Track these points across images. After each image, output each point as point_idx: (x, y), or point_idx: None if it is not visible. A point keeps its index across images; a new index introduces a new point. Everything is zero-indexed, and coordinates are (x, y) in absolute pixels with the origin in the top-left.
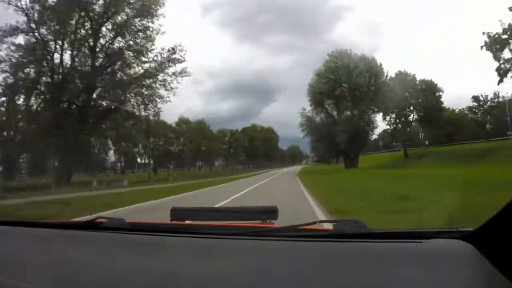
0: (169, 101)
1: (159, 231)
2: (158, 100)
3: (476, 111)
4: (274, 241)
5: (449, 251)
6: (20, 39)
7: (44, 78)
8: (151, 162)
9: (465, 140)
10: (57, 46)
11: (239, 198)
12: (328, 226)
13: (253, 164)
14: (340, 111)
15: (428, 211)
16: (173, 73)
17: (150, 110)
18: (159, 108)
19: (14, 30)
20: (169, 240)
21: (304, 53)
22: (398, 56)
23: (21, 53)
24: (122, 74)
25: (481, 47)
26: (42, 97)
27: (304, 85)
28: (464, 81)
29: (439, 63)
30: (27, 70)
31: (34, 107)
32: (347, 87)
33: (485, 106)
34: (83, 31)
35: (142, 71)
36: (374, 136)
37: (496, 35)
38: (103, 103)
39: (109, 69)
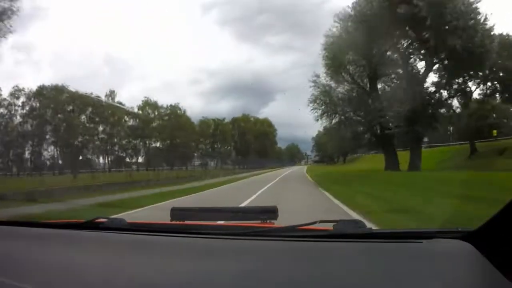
0: None
1: (159, 231)
2: None
3: None
4: (274, 241)
5: (449, 251)
6: None
7: None
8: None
9: None
10: None
11: None
12: (328, 226)
13: (245, 163)
14: (405, 59)
15: None
16: None
17: None
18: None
19: None
20: (169, 240)
21: (304, 53)
22: None
23: None
24: None
25: None
26: None
27: (304, 85)
28: None
29: None
30: None
31: None
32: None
33: None
34: None
35: None
36: None
37: None
38: None
39: None
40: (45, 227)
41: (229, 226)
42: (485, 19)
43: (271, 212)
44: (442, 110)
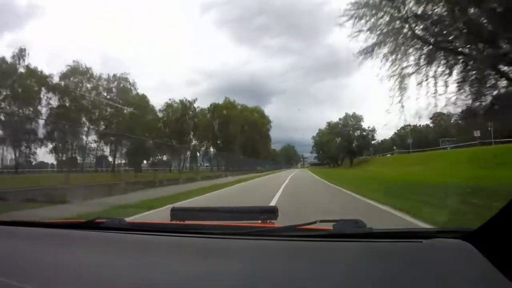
0: None
1: (159, 231)
2: None
3: None
4: (274, 241)
5: (449, 251)
6: None
7: None
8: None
9: None
10: None
11: None
12: (328, 226)
13: (229, 164)
14: None
15: None
16: None
17: None
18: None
19: None
20: (169, 240)
21: (301, 56)
22: None
23: None
24: None
25: None
26: None
27: (300, 88)
28: None
29: None
30: None
31: None
32: None
33: None
34: None
35: None
36: None
37: None
38: None
39: None
40: (45, 227)
41: (229, 226)
42: None
43: (271, 212)
44: None
